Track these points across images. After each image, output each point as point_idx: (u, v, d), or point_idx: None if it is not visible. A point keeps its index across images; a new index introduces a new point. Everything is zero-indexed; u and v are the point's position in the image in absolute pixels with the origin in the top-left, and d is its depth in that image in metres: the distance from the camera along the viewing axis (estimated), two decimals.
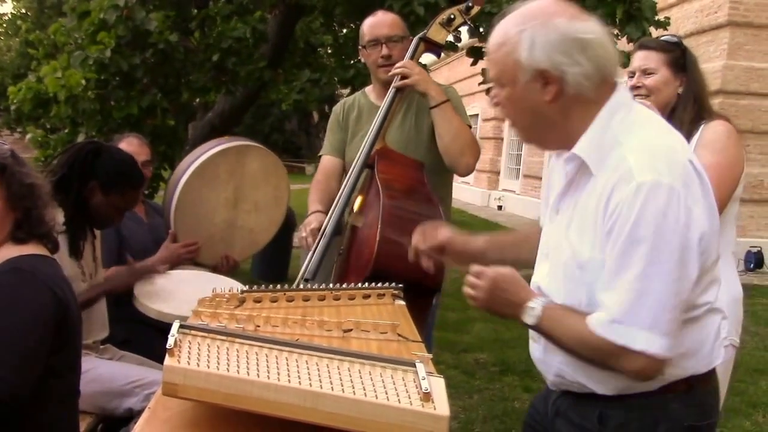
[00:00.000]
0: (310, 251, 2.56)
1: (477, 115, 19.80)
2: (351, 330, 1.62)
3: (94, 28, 5.30)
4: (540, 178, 15.84)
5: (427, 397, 1.20)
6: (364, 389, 1.21)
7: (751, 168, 9.68)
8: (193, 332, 1.35)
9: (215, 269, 3.20)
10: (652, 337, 1.40)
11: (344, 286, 1.94)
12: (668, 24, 5.48)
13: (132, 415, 2.46)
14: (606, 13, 4.67)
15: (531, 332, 1.71)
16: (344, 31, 7.81)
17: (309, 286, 1.99)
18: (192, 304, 1.70)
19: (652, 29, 5.10)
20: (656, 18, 5.27)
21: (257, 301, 1.75)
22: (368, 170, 2.65)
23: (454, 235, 1.92)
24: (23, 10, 23.16)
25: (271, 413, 1.20)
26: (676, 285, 1.41)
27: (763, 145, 9.96)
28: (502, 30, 1.54)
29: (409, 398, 1.20)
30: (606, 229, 1.44)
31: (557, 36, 1.47)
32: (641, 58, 2.57)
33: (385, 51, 2.79)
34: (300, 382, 1.21)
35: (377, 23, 2.85)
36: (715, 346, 1.58)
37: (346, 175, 2.75)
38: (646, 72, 2.55)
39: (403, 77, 2.67)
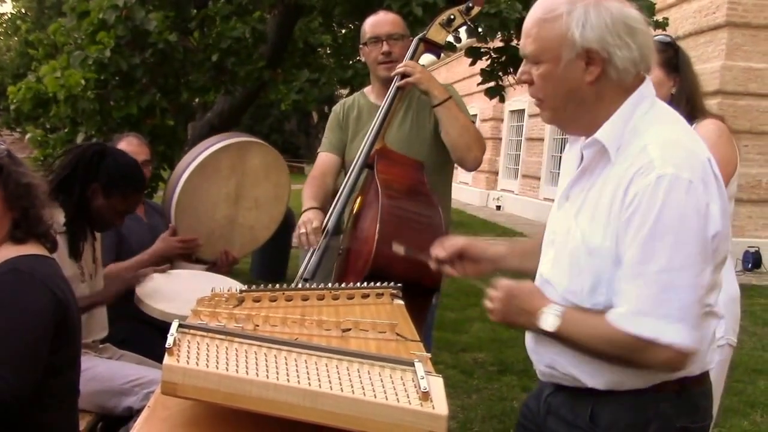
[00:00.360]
0: (309, 251, 2.57)
1: (476, 115, 19.80)
2: (350, 329, 1.62)
3: (93, 28, 5.29)
4: (538, 178, 15.84)
5: (425, 396, 1.20)
6: (363, 388, 1.22)
7: (749, 168, 9.69)
8: (192, 331, 1.35)
9: (214, 265, 3.21)
10: (680, 328, 1.40)
11: (343, 285, 1.94)
12: (667, 24, 5.50)
13: (132, 414, 2.46)
14: None
15: None
16: (343, 31, 7.81)
17: (308, 285, 2.00)
18: (195, 304, 1.70)
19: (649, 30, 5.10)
20: (655, 18, 5.28)
21: (256, 300, 1.76)
22: (368, 170, 2.66)
23: (473, 241, 1.92)
24: (23, 10, 23.15)
25: (270, 412, 1.20)
26: (699, 278, 1.42)
27: (762, 146, 9.98)
28: (549, 6, 1.52)
29: (408, 397, 1.21)
30: (624, 219, 1.44)
31: (610, 17, 1.47)
32: None
33: (385, 48, 2.79)
34: (299, 382, 1.22)
35: (379, 21, 2.87)
36: (709, 350, 1.58)
37: (344, 175, 2.76)
38: None
39: (405, 76, 2.67)
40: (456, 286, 7.11)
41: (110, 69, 5.27)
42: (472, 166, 2.78)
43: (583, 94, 1.52)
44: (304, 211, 2.73)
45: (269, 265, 6.98)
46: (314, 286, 1.91)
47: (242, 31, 5.86)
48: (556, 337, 1.53)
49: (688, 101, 2.52)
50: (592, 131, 1.54)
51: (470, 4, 2.76)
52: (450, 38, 2.94)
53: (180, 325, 1.34)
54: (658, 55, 2.53)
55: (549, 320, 1.52)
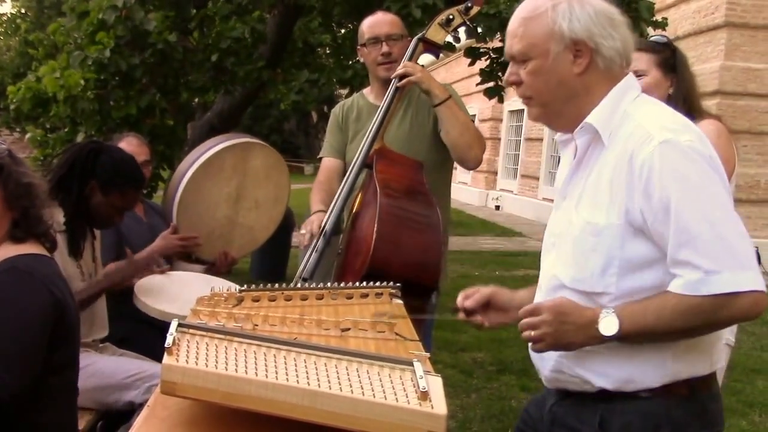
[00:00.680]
0: (308, 250, 2.57)
1: (475, 115, 19.80)
2: (349, 329, 1.62)
3: (93, 28, 5.29)
4: (537, 178, 15.85)
5: (424, 396, 1.20)
6: (362, 388, 1.22)
7: (748, 168, 9.70)
8: (191, 331, 1.35)
9: (213, 265, 3.21)
10: (752, 274, 1.40)
11: (342, 285, 1.95)
12: (666, 25, 5.50)
13: (133, 408, 2.46)
14: None
15: None
16: (342, 31, 7.81)
17: (307, 285, 2.00)
18: (194, 304, 1.71)
19: (649, 30, 5.11)
20: (654, 19, 5.28)
21: (255, 300, 1.76)
22: (367, 170, 2.66)
23: (499, 289, 1.82)
24: (23, 10, 23.12)
25: (269, 412, 1.21)
26: (739, 221, 1.46)
27: (760, 146, 9.99)
28: (532, 6, 1.57)
29: (407, 397, 1.21)
30: (641, 189, 1.44)
31: (593, 10, 1.53)
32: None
33: (385, 48, 2.80)
34: (298, 381, 1.22)
35: (377, 22, 2.87)
36: (717, 348, 1.59)
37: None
38: (636, 74, 2.56)
39: (405, 76, 2.68)
40: (455, 285, 7.10)
41: (110, 69, 5.27)
42: (473, 165, 2.79)
43: (572, 86, 1.56)
44: (312, 214, 2.75)
45: (269, 264, 6.98)
46: (313, 285, 1.92)
47: (242, 31, 5.86)
48: (621, 338, 1.47)
49: (685, 101, 2.52)
50: (579, 124, 1.57)
51: (469, 4, 2.76)
52: (449, 38, 2.94)
53: (179, 325, 1.34)
54: (656, 56, 2.54)
55: (610, 324, 1.46)
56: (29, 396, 1.83)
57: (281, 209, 3.36)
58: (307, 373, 1.25)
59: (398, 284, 1.96)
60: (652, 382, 1.52)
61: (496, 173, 19.12)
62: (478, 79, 6.42)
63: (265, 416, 1.21)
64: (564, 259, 1.58)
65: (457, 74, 18.40)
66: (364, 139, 2.71)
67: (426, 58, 2.78)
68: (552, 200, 1.74)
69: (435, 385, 1.25)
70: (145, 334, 2.78)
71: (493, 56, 6.16)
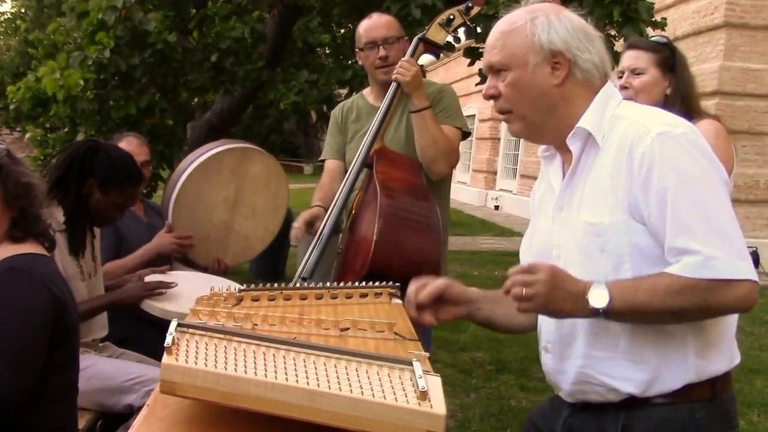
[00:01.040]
0: (307, 250, 2.58)
1: (474, 115, 19.80)
2: (348, 329, 1.62)
3: (92, 29, 5.29)
4: (536, 179, 15.82)
5: (423, 395, 1.21)
6: (361, 388, 1.22)
7: (747, 169, 9.71)
8: (190, 331, 1.35)
9: (205, 271, 3.21)
10: (748, 264, 1.42)
11: (341, 285, 1.95)
12: (665, 25, 5.49)
13: (132, 412, 2.47)
14: (603, 14, 4.68)
15: (542, 343, 1.67)
16: (342, 31, 7.81)
17: (306, 285, 2.00)
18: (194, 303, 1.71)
19: (649, 30, 5.11)
20: (653, 19, 5.28)
21: (255, 299, 1.76)
22: (367, 170, 2.67)
23: (452, 282, 1.80)
24: (22, 10, 23.11)
25: (269, 411, 1.21)
26: (735, 218, 1.47)
27: (760, 146, 10.00)
28: (511, 20, 1.59)
29: (406, 397, 1.21)
30: (639, 182, 1.46)
31: (570, 24, 1.56)
32: (630, 58, 2.58)
33: (382, 52, 2.80)
34: (297, 381, 1.22)
35: (373, 25, 2.86)
36: (734, 343, 1.59)
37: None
38: (635, 72, 2.56)
39: (400, 75, 2.68)
40: None
41: (109, 69, 5.27)
42: (435, 178, 2.77)
43: (551, 98, 1.57)
44: (311, 207, 2.78)
45: (268, 264, 6.98)
46: (312, 285, 1.92)
47: (241, 31, 5.86)
48: (610, 314, 1.46)
49: (683, 102, 2.53)
50: (562, 135, 1.59)
51: (470, 5, 2.77)
52: (450, 38, 2.95)
53: (179, 324, 1.34)
54: (655, 55, 2.54)
55: (601, 296, 1.44)
56: (29, 395, 1.84)
57: (278, 220, 3.36)
58: (306, 372, 1.25)
59: (398, 284, 1.96)
60: (675, 381, 1.51)
61: (495, 173, 19.12)
62: (477, 79, 6.42)
63: (265, 416, 1.22)
64: (574, 265, 1.54)
65: (457, 74, 18.40)
66: (364, 139, 2.72)
67: (426, 59, 2.79)
68: None
69: (434, 384, 1.25)
70: (144, 334, 2.79)
71: None
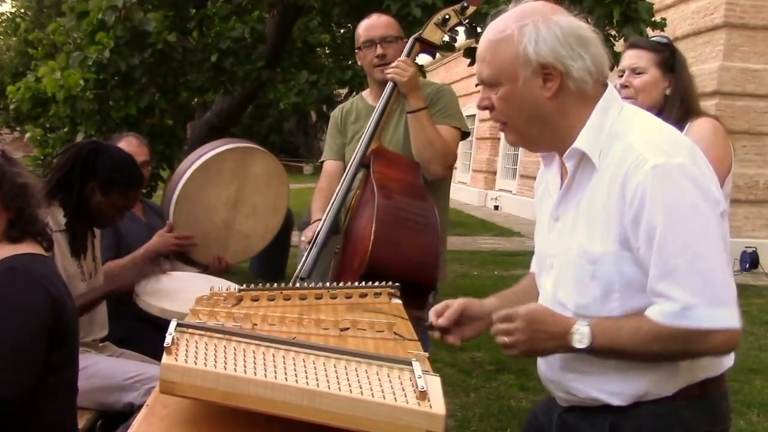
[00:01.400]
0: (306, 250, 2.58)
1: (474, 115, 19.81)
2: (348, 329, 1.63)
3: (92, 29, 5.29)
4: (536, 178, 15.85)
5: (423, 395, 1.21)
6: (361, 388, 1.22)
7: (747, 169, 9.71)
8: (190, 330, 1.35)
9: (206, 269, 3.21)
10: (729, 311, 1.40)
11: (341, 285, 1.95)
12: (665, 25, 5.49)
13: (132, 410, 2.47)
14: (603, 14, 4.68)
15: None
16: (342, 31, 7.81)
17: (304, 285, 2.00)
18: (193, 303, 1.71)
19: (648, 30, 5.11)
20: (653, 19, 5.28)
21: (254, 299, 1.76)
22: (364, 170, 2.67)
23: (468, 300, 1.79)
24: (22, 10, 23.09)
25: (268, 411, 1.21)
26: (724, 254, 1.42)
27: (759, 146, 9.99)
28: (499, 28, 1.52)
29: (405, 397, 1.21)
30: (630, 218, 1.43)
31: (560, 30, 1.48)
32: (631, 57, 2.59)
33: (379, 51, 2.80)
34: (297, 381, 1.22)
35: (372, 25, 2.87)
36: None
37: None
38: (635, 71, 2.57)
39: (397, 75, 2.68)
40: (454, 285, 7.12)
41: (109, 69, 5.27)
42: (431, 178, 2.76)
43: (545, 111, 1.52)
44: (313, 222, 2.77)
45: (268, 264, 6.98)
46: (311, 285, 1.92)
47: (241, 31, 5.86)
48: (592, 353, 1.48)
49: (683, 103, 2.53)
50: (563, 146, 1.54)
51: (465, 4, 2.77)
52: (446, 38, 2.95)
53: (178, 324, 1.34)
54: (656, 55, 2.54)
55: (582, 337, 1.46)
56: (29, 395, 1.84)
57: (279, 219, 3.36)
58: (306, 372, 1.25)
59: (397, 284, 1.96)
60: (665, 391, 1.52)
61: (495, 173, 19.13)
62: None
63: (264, 416, 1.22)
64: (565, 285, 1.56)
65: (457, 74, 18.41)
66: (361, 139, 2.72)
67: (424, 59, 2.79)
68: None
69: (434, 384, 1.25)
70: (144, 334, 2.79)
71: None
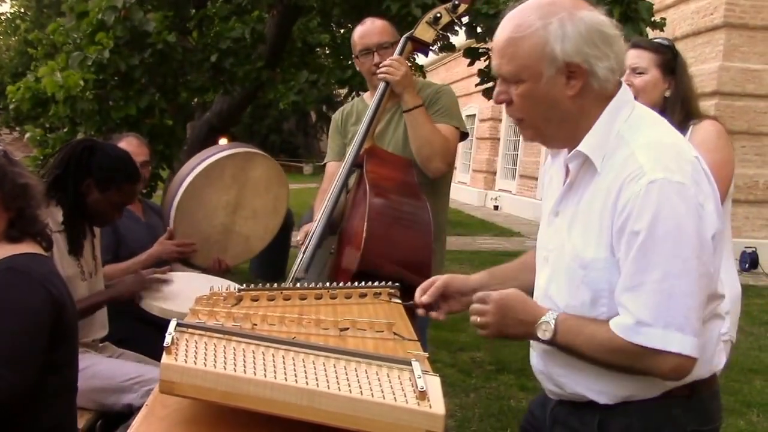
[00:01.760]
0: (302, 251, 2.59)
1: (474, 115, 19.81)
2: (347, 329, 1.63)
3: (92, 29, 5.29)
4: (536, 179, 15.85)
5: (422, 395, 1.21)
6: (360, 387, 1.22)
7: (747, 169, 9.71)
8: (190, 330, 1.35)
9: (206, 272, 3.22)
10: (684, 337, 1.38)
11: (341, 285, 1.95)
12: (664, 25, 5.49)
13: (131, 411, 2.47)
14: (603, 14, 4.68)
15: (531, 342, 1.68)
16: (342, 31, 7.81)
17: (299, 285, 2.00)
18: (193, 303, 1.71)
19: (648, 30, 5.11)
20: (652, 19, 5.28)
21: (254, 299, 1.76)
22: (358, 170, 2.67)
23: (452, 276, 1.84)
24: (22, 10, 23.09)
25: (268, 411, 1.21)
26: (699, 282, 1.39)
27: (759, 147, 10.00)
28: (522, 23, 1.47)
29: (405, 396, 1.21)
30: (617, 227, 1.42)
31: (586, 28, 1.45)
32: (633, 57, 2.59)
33: (377, 59, 2.80)
34: (296, 381, 1.22)
35: (366, 32, 2.85)
36: (716, 351, 1.58)
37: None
38: (636, 71, 2.57)
39: (388, 74, 2.68)
40: None
41: (109, 69, 5.27)
42: (432, 176, 2.76)
43: (565, 109, 1.50)
44: (310, 222, 2.76)
45: (268, 264, 6.98)
46: (311, 285, 1.92)
47: (241, 32, 5.86)
48: (555, 346, 1.52)
49: (683, 105, 2.53)
50: (576, 143, 1.53)
51: (456, 2, 2.76)
52: (450, 38, 2.94)
53: (178, 324, 1.34)
54: (657, 56, 2.55)
55: (546, 329, 1.49)
56: (29, 395, 1.84)
57: (278, 221, 3.38)
58: (305, 372, 1.25)
59: (397, 284, 1.96)
60: (652, 392, 1.52)
61: (494, 173, 19.13)
62: (477, 79, 6.42)
63: (264, 416, 1.22)
64: (558, 283, 1.57)
65: (457, 74, 18.40)
66: (354, 139, 2.72)
67: (425, 59, 2.79)
68: None
69: (433, 384, 1.26)
70: (144, 334, 2.79)
71: None
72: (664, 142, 1.48)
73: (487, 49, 6.15)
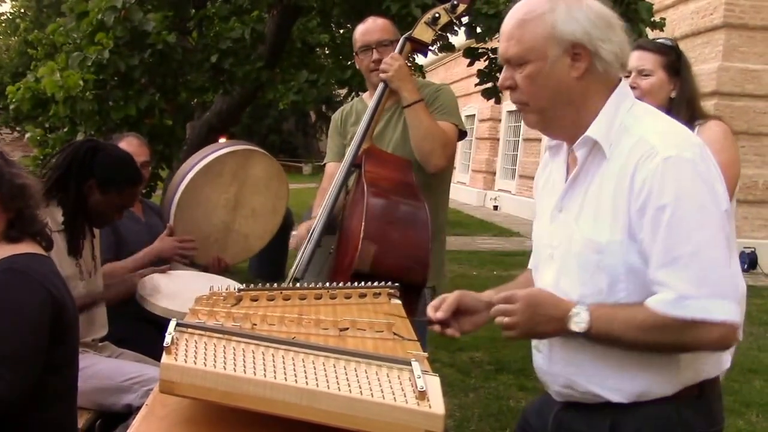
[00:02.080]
0: (301, 251, 2.59)
1: (474, 115, 19.82)
2: (347, 329, 1.63)
3: (92, 29, 5.29)
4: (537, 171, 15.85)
5: (422, 395, 1.21)
6: (360, 387, 1.22)
7: (746, 169, 9.71)
8: (190, 330, 1.35)
9: (206, 270, 3.22)
10: (726, 304, 1.40)
11: (340, 285, 1.95)
12: (664, 25, 5.51)
13: (131, 411, 2.47)
14: None
15: (534, 342, 1.67)
16: (341, 31, 7.81)
17: (298, 285, 2.00)
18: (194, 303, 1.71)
19: (648, 30, 5.12)
20: (652, 19, 5.29)
21: (254, 299, 1.76)
22: (356, 170, 2.67)
23: (465, 292, 1.78)
24: (22, 10, 23.08)
25: (268, 411, 1.21)
26: (726, 252, 1.43)
27: (758, 147, 10.01)
28: (530, 7, 1.52)
29: (405, 396, 1.21)
30: (636, 208, 1.43)
31: (592, 12, 1.50)
32: (638, 59, 2.59)
33: (375, 56, 2.80)
34: (296, 381, 1.22)
35: (367, 30, 2.87)
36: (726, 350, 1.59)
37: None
38: (642, 73, 2.57)
39: (383, 72, 2.68)
40: (454, 285, 7.09)
41: (109, 69, 5.26)
42: (432, 171, 2.75)
43: (570, 90, 1.52)
44: (310, 219, 2.77)
45: (268, 264, 6.98)
46: (311, 285, 1.92)
47: (241, 32, 5.86)
48: (590, 337, 1.49)
49: (688, 105, 2.53)
50: (578, 132, 1.54)
51: (455, 2, 2.76)
52: (450, 39, 2.95)
53: (178, 324, 1.34)
54: (662, 57, 2.55)
55: (580, 321, 1.47)
56: (28, 395, 1.84)
57: (278, 220, 3.38)
58: (305, 372, 1.25)
59: (396, 284, 1.96)
60: (663, 391, 1.52)
61: (494, 173, 19.14)
62: (477, 79, 6.42)
63: (264, 415, 1.22)
64: (569, 275, 1.56)
65: (456, 74, 18.41)
66: (354, 139, 2.73)
67: (424, 59, 2.80)
68: None
69: (433, 384, 1.25)
70: (144, 334, 2.79)
71: (492, 57, 6.15)
72: (670, 127, 1.53)
73: (487, 49, 6.16)
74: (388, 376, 1.28)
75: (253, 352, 1.31)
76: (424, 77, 7.88)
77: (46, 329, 1.86)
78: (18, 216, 1.94)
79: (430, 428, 1.18)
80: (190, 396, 1.24)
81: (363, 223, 2.33)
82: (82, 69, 5.24)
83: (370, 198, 2.41)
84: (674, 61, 2.58)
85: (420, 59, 7.14)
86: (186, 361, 1.23)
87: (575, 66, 1.50)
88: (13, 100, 5.67)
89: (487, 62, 6.20)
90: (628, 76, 2.62)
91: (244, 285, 1.83)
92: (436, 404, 1.20)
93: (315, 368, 1.28)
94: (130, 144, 3.26)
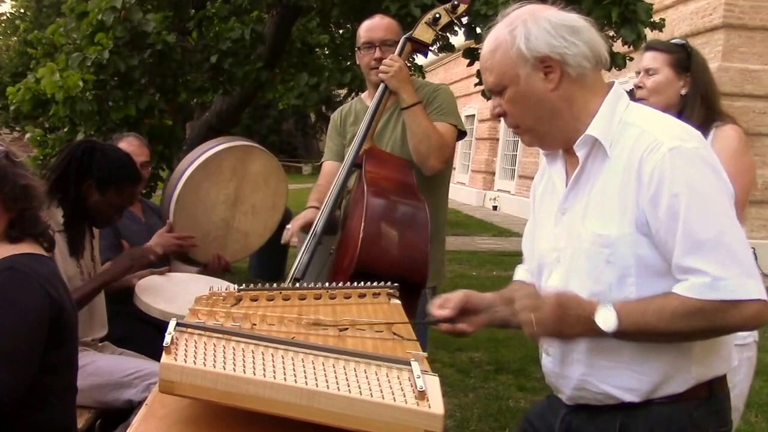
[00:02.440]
0: (301, 251, 2.59)
1: (473, 115, 19.82)
2: (347, 328, 1.63)
3: (92, 29, 5.29)
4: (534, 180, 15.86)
5: (422, 395, 1.21)
6: (360, 387, 1.22)
7: None
8: (189, 330, 1.35)
9: (206, 267, 3.22)
10: (757, 283, 1.42)
11: (340, 285, 1.95)
12: (663, 26, 5.50)
13: (132, 407, 2.47)
14: (601, 15, 4.68)
15: (545, 346, 1.67)
16: (341, 32, 7.81)
17: (298, 285, 2.00)
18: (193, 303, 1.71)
19: (647, 31, 5.11)
20: (651, 20, 5.28)
21: (254, 299, 1.76)
22: (357, 170, 2.68)
23: (468, 291, 1.80)
24: (22, 10, 23.07)
25: (267, 411, 1.21)
26: (743, 234, 1.48)
27: (758, 147, 10.00)
28: (493, 37, 1.60)
29: (404, 396, 1.21)
30: (647, 198, 1.45)
31: (548, 24, 1.53)
32: (647, 59, 2.60)
33: (377, 54, 2.81)
34: (296, 381, 1.22)
35: (373, 26, 2.87)
36: (732, 347, 1.61)
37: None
38: (649, 72, 2.58)
39: (383, 72, 2.69)
40: (453, 285, 7.10)
41: (109, 70, 5.27)
42: (429, 173, 2.76)
43: (552, 103, 1.56)
44: (306, 208, 2.78)
45: (268, 264, 6.99)
46: (311, 285, 1.92)
47: (241, 32, 5.87)
48: (618, 335, 1.48)
49: (703, 102, 2.53)
50: (572, 138, 1.57)
51: (456, 2, 2.76)
52: (450, 39, 2.95)
53: (177, 324, 1.34)
54: (669, 55, 2.55)
55: (609, 319, 1.46)
56: (27, 395, 1.84)
57: (277, 217, 3.38)
58: (305, 372, 1.26)
59: (396, 284, 1.97)
60: (676, 388, 1.53)
61: (493, 173, 19.13)
62: (476, 79, 6.42)
63: (263, 415, 1.22)
64: (578, 274, 1.56)
65: (456, 75, 18.41)
66: (354, 139, 2.73)
67: (424, 60, 2.80)
68: None
69: (432, 384, 1.25)
70: (143, 334, 2.79)
71: None
72: (668, 121, 1.56)
73: None
74: (387, 376, 1.28)
75: (253, 352, 1.31)
76: (423, 77, 7.88)
77: (44, 330, 1.86)
78: (20, 216, 1.94)
79: (430, 428, 1.18)
80: (189, 396, 1.24)
81: (362, 225, 2.33)
82: (82, 69, 5.24)
83: (370, 198, 2.42)
84: (682, 59, 2.57)
85: (420, 59, 7.15)
86: (186, 361, 1.23)
87: (549, 78, 1.54)
88: (14, 101, 5.67)
89: None
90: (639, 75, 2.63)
91: (243, 285, 1.84)
92: (436, 404, 1.20)
93: (314, 368, 1.28)
94: (130, 144, 3.26)
